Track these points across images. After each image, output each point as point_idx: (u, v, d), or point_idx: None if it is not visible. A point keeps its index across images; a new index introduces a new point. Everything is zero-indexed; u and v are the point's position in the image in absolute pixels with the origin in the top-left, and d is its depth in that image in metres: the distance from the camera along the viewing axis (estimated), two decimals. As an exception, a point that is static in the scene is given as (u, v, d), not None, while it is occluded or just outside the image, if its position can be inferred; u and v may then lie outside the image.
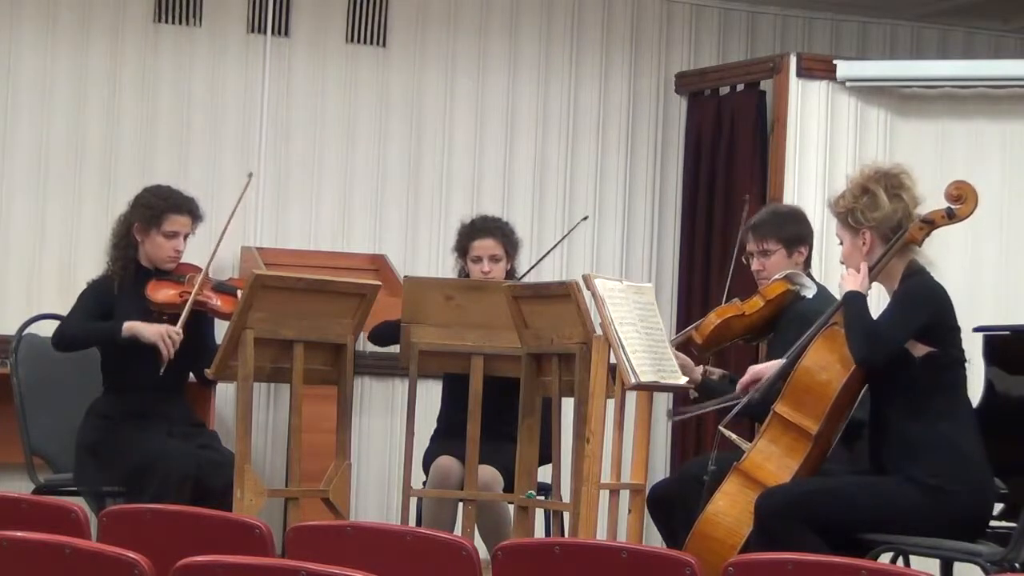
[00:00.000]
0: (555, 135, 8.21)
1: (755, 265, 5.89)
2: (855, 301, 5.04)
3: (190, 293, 5.94)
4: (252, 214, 7.69)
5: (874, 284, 5.18)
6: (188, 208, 6.08)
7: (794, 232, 5.87)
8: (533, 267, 6.71)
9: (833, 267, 7.56)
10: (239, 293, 5.94)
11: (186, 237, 6.08)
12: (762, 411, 5.25)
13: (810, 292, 5.78)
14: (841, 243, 5.18)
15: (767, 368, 5.38)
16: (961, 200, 5.07)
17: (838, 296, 5.26)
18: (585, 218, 7.47)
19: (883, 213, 5.03)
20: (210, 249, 6.13)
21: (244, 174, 7.52)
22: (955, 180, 5.09)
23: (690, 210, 8.28)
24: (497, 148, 8.12)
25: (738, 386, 5.41)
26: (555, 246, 7.09)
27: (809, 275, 5.89)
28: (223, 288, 6.07)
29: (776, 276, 5.79)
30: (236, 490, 5.38)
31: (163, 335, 5.86)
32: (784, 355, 5.35)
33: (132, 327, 5.89)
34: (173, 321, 5.92)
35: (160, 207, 6.03)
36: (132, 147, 7.57)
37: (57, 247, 7.46)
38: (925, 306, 5.01)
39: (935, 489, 4.92)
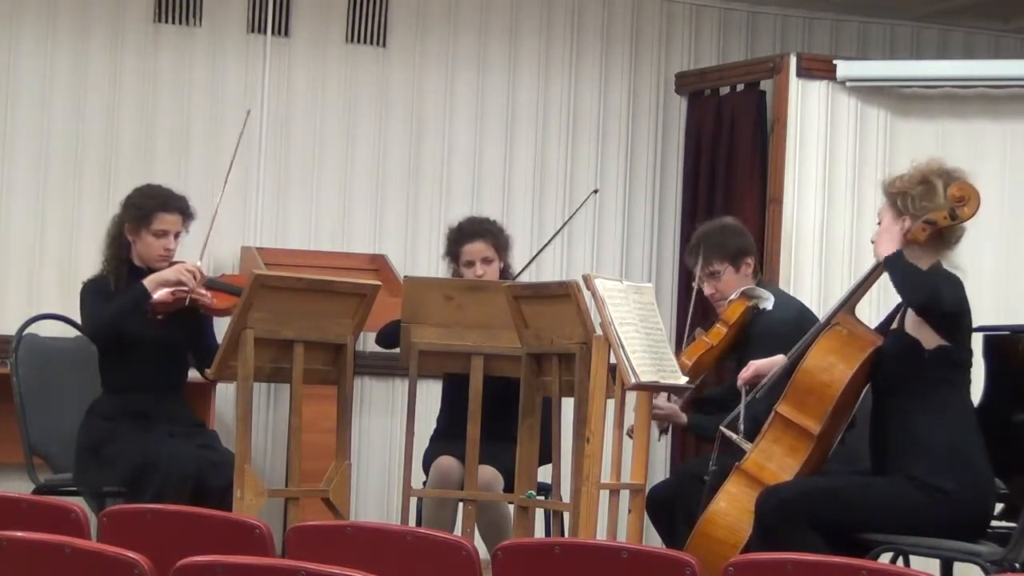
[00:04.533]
0: (555, 135, 8.21)
1: (707, 290, 5.89)
2: (897, 259, 5.00)
3: (183, 291, 5.94)
4: (252, 214, 7.69)
5: (877, 284, 5.20)
6: (178, 207, 6.06)
7: (735, 246, 5.86)
8: (547, 245, 6.63)
9: (832, 267, 7.60)
10: (231, 288, 5.97)
11: (177, 236, 6.06)
12: (760, 422, 5.27)
13: (768, 303, 5.78)
14: (879, 222, 5.18)
15: (769, 364, 5.40)
16: (964, 201, 5.06)
17: (834, 302, 5.25)
18: (596, 191, 7.40)
19: (934, 205, 5.04)
20: (210, 238, 6.13)
21: (244, 174, 7.57)
22: (957, 181, 5.09)
23: (690, 210, 8.28)
24: (497, 148, 8.12)
25: (739, 380, 5.43)
26: (566, 223, 7.00)
27: (760, 283, 5.89)
28: (215, 285, 6.07)
29: (731, 297, 5.79)
30: (236, 490, 5.38)
31: (182, 269, 5.90)
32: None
33: (153, 277, 5.90)
34: (166, 319, 5.92)
35: (149, 206, 6.02)
36: (132, 147, 7.57)
37: (57, 247, 7.46)
38: (963, 297, 5.02)
39: (936, 489, 4.92)
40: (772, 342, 5.51)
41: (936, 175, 5.08)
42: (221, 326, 5.81)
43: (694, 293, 6.03)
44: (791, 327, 5.45)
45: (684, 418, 5.77)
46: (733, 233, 5.93)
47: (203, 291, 5.99)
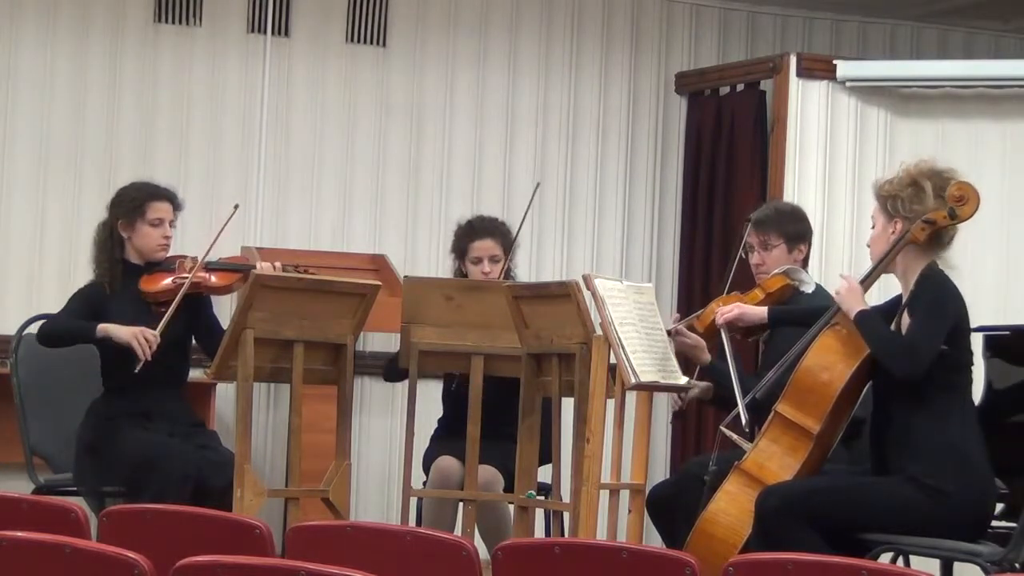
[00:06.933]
0: (555, 135, 8.21)
1: (755, 259, 5.93)
2: (868, 321, 5.04)
3: (184, 278, 5.95)
4: (252, 214, 7.69)
5: (879, 280, 5.21)
6: (167, 196, 6.12)
7: (796, 229, 5.93)
8: (516, 236, 6.53)
9: (833, 267, 7.60)
10: (231, 266, 6.01)
11: (171, 225, 6.09)
12: (765, 411, 5.27)
13: (809, 288, 5.81)
14: (873, 226, 5.20)
15: (750, 308, 5.58)
16: (963, 201, 5.07)
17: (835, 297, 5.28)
18: (538, 185, 7.23)
19: (924, 208, 5.04)
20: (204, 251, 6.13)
21: (244, 174, 7.58)
22: (957, 181, 5.09)
23: (690, 210, 8.29)
24: (497, 148, 8.12)
25: (718, 317, 5.56)
26: (523, 219, 6.85)
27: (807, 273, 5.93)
28: (216, 266, 6.09)
29: (775, 271, 5.84)
30: (236, 490, 5.38)
31: (136, 335, 5.82)
32: (783, 351, 5.38)
33: (106, 328, 5.86)
34: (167, 310, 5.94)
35: (141, 197, 6.07)
36: (132, 147, 7.57)
37: (57, 247, 7.46)
38: (952, 309, 5.02)
39: (936, 490, 4.92)
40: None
41: (925, 176, 5.09)
42: (227, 312, 5.81)
43: (736, 259, 6.06)
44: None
45: (708, 356, 5.78)
46: (798, 218, 6.02)
47: (204, 274, 6.01)
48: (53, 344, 6.02)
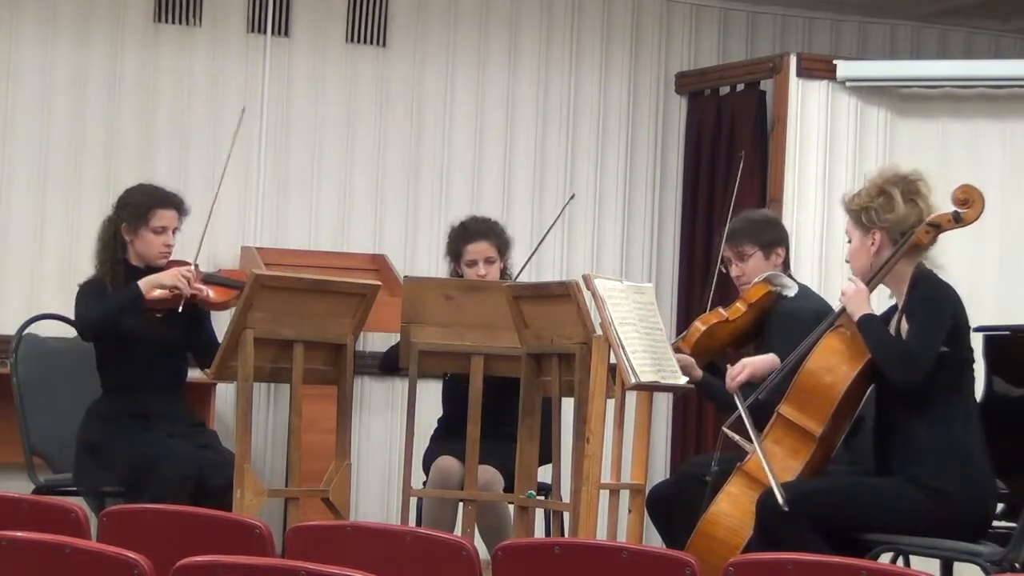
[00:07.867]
0: (555, 136, 8.21)
1: (734, 271, 5.92)
2: (871, 325, 5.03)
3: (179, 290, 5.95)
4: (252, 214, 7.68)
5: (878, 287, 5.21)
6: (174, 203, 6.10)
7: (769, 236, 5.91)
8: (532, 255, 6.65)
9: (832, 267, 7.60)
10: (229, 282, 6.02)
11: (175, 232, 6.09)
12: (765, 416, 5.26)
13: (791, 291, 5.80)
14: (849, 241, 5.20)
15: (758, 362, 5.46)
16: (968, 204, 5.07)
17: (835, 303, 5.27)
18: (572, 196, 7.43)
19: (897, 216, 5.04)
20: (206, 235, 6.12)
21: (244, 174, 7.58)
22: (962, 184, 5.10)
23: (690, 210, 8.29)
24: (497, 149, 8.12)
25: (729, 379, 5.45)
26: (548, 229, 6.97)
27: (789, 276, 5.91)
28: (213, 279, 6.09)
29: (756, 279, 5.82)
30: (236, 490, 5.38)
31: (178, 276, 5.89)
32: (777, 356, 5.38)
33: (149, 280, 5.91)
34: (166, 316, 5.93)
35: (147, 204, 6.05)
36: (132, 147, 7.56)
37: (57, 247, 7.46)
38: (948, 310, 5.02)
39: (937, 491, 4.93)
40: (790, 325, 5.53)
41: (891, 184, 5.09)
42: (222, 323, 5.81)
43: (715, 276, 6.05)
44: (811, 316, 5.47)
45: (699, 372, 5.76)
46: (770, 224, 6.01)
47: (200, 286, 6.01)
48: (101, 329, 5.93)
